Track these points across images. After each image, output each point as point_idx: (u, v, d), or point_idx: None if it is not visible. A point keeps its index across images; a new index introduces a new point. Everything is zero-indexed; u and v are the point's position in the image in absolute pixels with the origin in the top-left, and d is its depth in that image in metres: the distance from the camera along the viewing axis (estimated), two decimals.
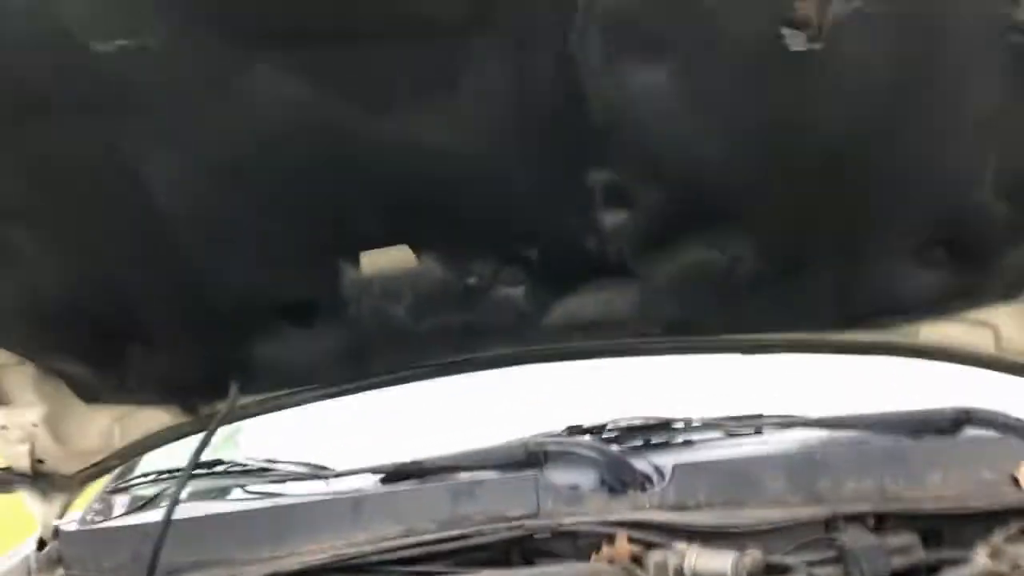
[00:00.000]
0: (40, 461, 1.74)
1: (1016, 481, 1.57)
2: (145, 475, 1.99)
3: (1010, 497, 1.54)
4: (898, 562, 1.48)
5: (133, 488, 1.97)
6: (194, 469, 1.75)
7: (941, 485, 1.58)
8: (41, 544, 1.84)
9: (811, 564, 1.45)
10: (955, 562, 1.45)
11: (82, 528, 1.84)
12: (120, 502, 1.95)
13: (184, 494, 1.71)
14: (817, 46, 1.15)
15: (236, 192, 1.34)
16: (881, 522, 1.54)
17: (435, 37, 1.13)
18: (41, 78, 1.12)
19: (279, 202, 1.37)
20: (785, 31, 1.15)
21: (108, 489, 1.97)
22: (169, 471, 1.93)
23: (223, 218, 1.40)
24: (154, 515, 1.82)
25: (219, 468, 1.93)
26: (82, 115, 1.18)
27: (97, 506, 1.94)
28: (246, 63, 1.13)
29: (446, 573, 1.52)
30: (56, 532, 1.83)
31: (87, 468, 1.78)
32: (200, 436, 1.70)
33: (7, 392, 1.65)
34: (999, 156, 1.36)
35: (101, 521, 1.90)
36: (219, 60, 1.13)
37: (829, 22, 1.13)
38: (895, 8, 1.14)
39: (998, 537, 1.47)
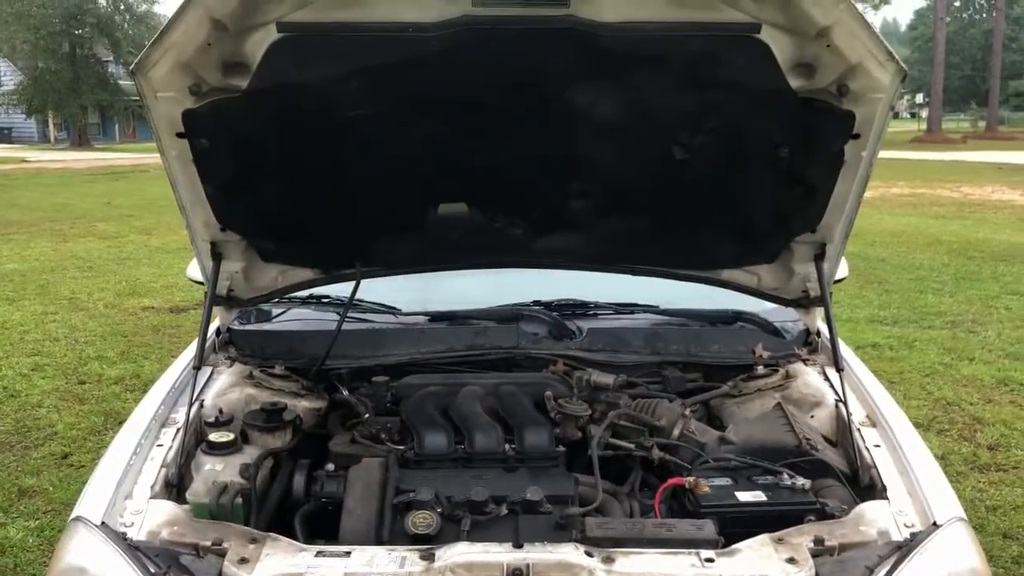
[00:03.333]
0: (232, 291, 3.04)
1: (754, 352, 3.10)
2: (292, 299, 3.30)
3: (747, 360, 3.07)
4: (689, 385, 3.01)
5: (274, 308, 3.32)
6: (319, 301, 3.11)
7: (718, 351, 3.10)
8: (219, 332, 3.17)
9: (650, 383, 2.95)
10: (714, 388, 2.98)
11: (247, 328, 3.17)
12: (264, 315, 3.30)
13: (321, 315, 3.07)
14: (687, 156, 2.53)
15: (385, 167, 2.61)
16: (685, 367, 3.06)
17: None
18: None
19: (409, 178, 2.66)
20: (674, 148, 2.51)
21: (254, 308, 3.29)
22: (302, 299, 3.27)
23: (374, 179, 2.67)
24: (290, 325, 3.17)
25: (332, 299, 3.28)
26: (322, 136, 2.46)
27: (243, 317, 3.27)
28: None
29: (469, 372, 2.96)
30: (229, 329, 3.17)
31: (259, 296, 3.09)
32: (330, 285, 3.05)
33: (227, 254, 2.91)
34: (765, 199, 2.76)
35: (247, 323, 3.24)
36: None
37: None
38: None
39: (738, 378, 3.02)
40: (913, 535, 2.10)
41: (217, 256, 2.86)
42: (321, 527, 2.39)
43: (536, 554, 2.00)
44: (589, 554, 2.02)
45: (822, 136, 2.45)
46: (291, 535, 2.21)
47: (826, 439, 2.69)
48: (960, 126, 59.12)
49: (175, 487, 2.41)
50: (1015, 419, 5.84)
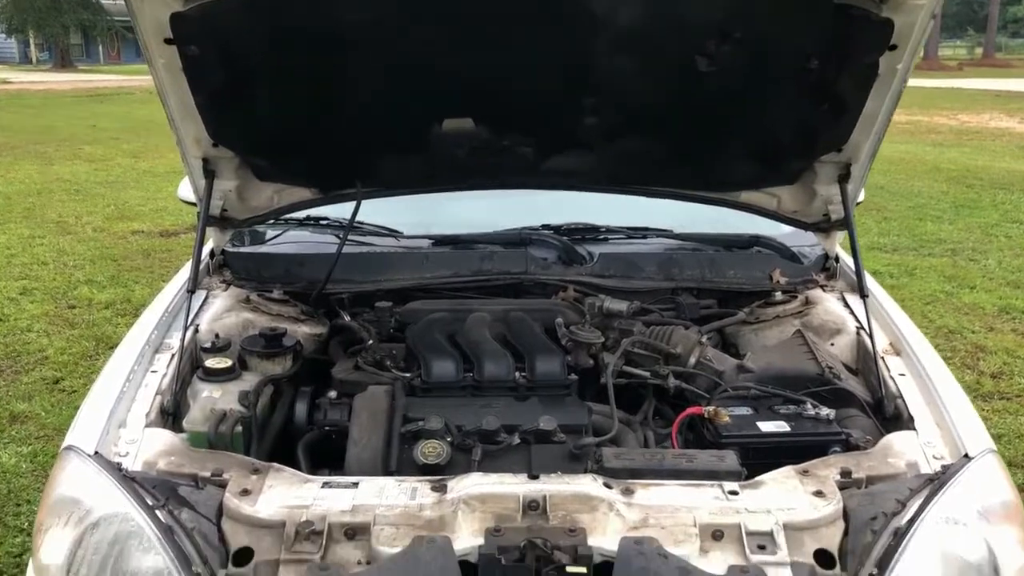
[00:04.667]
0: (225, 210, 2.89)
1: (771, 278, 2.98)
2: (289, 220, 3.15)
3: (764, 286, 2.96)
4: (703, 312, 2.90)
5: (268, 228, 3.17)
6: (317, 223, 2.97)
7: (733, 276, 2.98)
8: (212, 254, 3.03)
9: (664, 311, 2.84)
10: (730, 314, 2.87)
11: (243, 250, 3.03)
12: (259, 237, 3.15)
13: (320, 238, 2.93)
14: (711, 68, 2.37)
15: (386, 79, 2.44)
16: (699, 293, 2.95)
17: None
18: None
19: (412, 90, 2.49)
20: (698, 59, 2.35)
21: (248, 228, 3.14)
22: (299, 220, 3.13)
23: (375, 91, 2.50)
24: (289, 247, 3.04)
25: (331, 221, 3.13)
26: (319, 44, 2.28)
27: (239, 239, 3.13)
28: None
29: (475, 298, 2.84)
30: (223, 251, 3.03)
31: (254, 216, 2.94)
32: (325, 205, 2.90)
33: (220, 172, 2.75)
34: (789, 116, 2.61)
35: (243, 245, 3.10)
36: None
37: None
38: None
39: (753, 304, 2.91)
40: (944, 468, 2.02)
41: (210, 174, 2.71)
42: (325, 456, 2.30)
43: (553, 485, 1.91)
44: (608, 485, 1.93)
45: (856, 47, 2.29)
46: (294, 466, 2.12)
47: (847, 367, 2.60)
48: (957, 53, 58.31)
49: (171, 415, 2.30)
50: (1018, 347, 5.79)
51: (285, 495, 1.93)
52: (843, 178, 2.75)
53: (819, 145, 2.66)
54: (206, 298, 2.84)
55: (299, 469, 2.15)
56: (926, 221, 9.60)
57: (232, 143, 2.65)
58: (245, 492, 1.93)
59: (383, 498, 1.91)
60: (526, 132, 2.70)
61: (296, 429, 2.39)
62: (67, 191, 11.33)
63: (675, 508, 1.89)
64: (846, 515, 1.90)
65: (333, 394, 2.44)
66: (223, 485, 1.97)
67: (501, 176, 2.84)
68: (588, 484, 1.92)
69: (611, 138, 2.70)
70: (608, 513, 1.85)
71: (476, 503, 1.87)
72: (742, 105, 2.56)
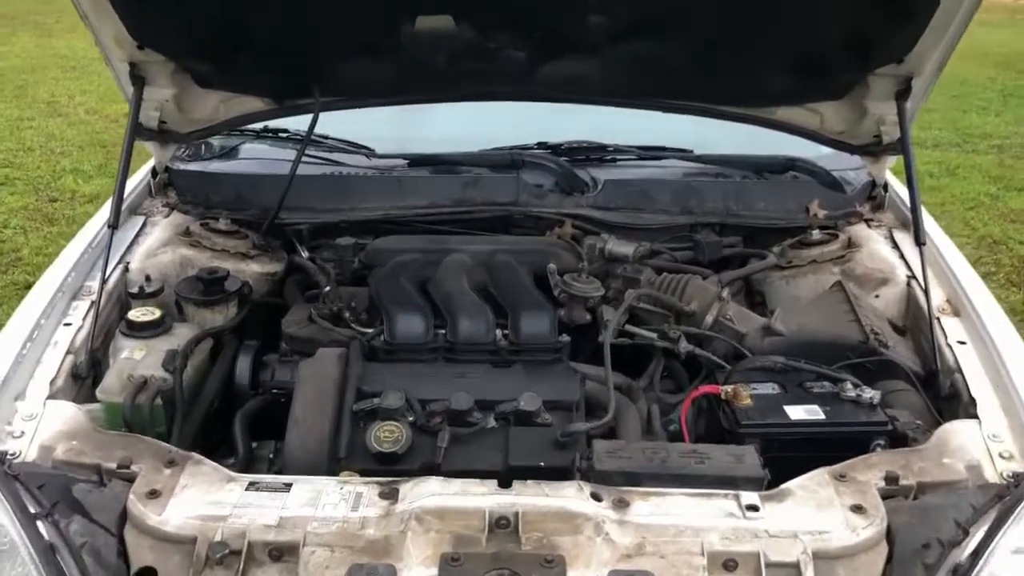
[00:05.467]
0: (164, 122, 2.45)
1: (807, 211, 2.53)
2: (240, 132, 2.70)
3: (799, 220, 2.51)
4: (726, 252, 2.47)
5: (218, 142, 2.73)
6: (276, 135, 2.52)
7: (763, 210, 2.53)
8: (154, 173, 2.61)
9: (674, 250, 2.41)
10: (758, 257, 2.44)
11: (190, 168, 2.60)
12: (208, 150, 2.72)
13: (280, 155, 2.49)
14: None
15: None
16: (722, 229, 2.50)
17: None
18: None
19: None
20: None
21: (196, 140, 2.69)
22: (256, 132, 2.67)
23: None
24: (242, 165, 2.60)
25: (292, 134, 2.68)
26: None
27: (187, 153, 2.69)
28: None
29: (456, 233, 2.42)
30: (166, 168, 2.60)
31: (197, 131, 2.50)
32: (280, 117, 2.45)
33: (152, 78, 2.30)
34: (842, 17, 2.12)
35: (190, 161, 2.67)
36: None
37: None
38: None
39: (785, 243, 2.47)
40: (1016, 477, 1.62)
41: (138, 80, 2.28)
42: (273, 425, 1.95)
43: (528, 498, 1.54)
44: (597, 497, 1.56)
45: None
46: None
47: (893, 326, 2.18)
48: None
49: (86, 380, 1.94)
50: None
51: (200, 500, 1.57)
52: (901, 94, 2.28)
53: (875, 54, 2.20)
54: (143, 226, 2.44)
55: (235, 447, 1.82)
56: (970, 112, 8.94)
57: (160, 44, 2.21)
58: (153, 493, 1.58)
59: (319, 508, 1.55)
60: (518, 32, 2.22)
61: (237, 392, 2.03)
62: (63, 67, 10.84)
63: (679, 529, 1.52)
64: (890, 535, 1.53)
65: (285, 347, 2.08)
66: (131, 479, 1.62)
67: (488, 85, 2.38)
68: (572, 496, 1.55)
69: (620, 40, 2.23)
70: (595, 537, 1.48)
71: (432, 519, 1.50)
72: (782, 2, 2.06)
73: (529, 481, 1.59)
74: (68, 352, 1.93)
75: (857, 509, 1.56)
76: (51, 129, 8.03)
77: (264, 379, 2.02)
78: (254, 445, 1.94)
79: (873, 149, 2.48)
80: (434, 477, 1.61)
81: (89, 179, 6.62)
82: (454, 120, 2.78)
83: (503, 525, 1.50)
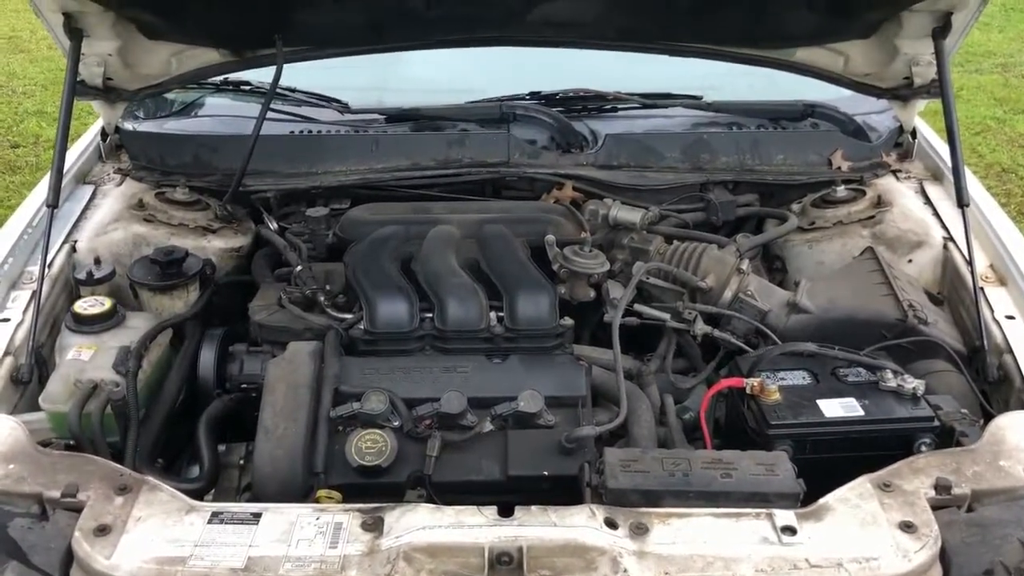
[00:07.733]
0: (109, 79, 2.18)
1: (830, 163, 2.29)
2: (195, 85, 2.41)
3: (822, 175, 2.27)
4: (741, 212, 2.23)
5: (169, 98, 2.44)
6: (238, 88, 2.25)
7: (781, 163, 2.28)
8: (104, 135, 2.34)
9: (683, 212, 2.18)
10: (776, 216, 2.21)
11: (142, 128, 2.33)
12: (163, 107, 2.44)
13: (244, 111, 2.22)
14: None
15: None
16: (736, 186, 2.26)
17: None
18: None
19: None
20: None
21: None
22: (216, 85, 2.39)
23: None
24: (201, 124, 2.33)
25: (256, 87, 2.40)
26: None
27: (140, 111, 2.42)
28: None
29: (441, 198, 2.17)
30: (117, 129, 2.33)
31: (148, 87, 2.23)
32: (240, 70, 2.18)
33: (91, 30, 2.02)
34: None
35: (144, 120, 2.40)
36: None
37: None
38: None
39: (806, 200, 2.23)
40: None
41: (75, 33, 2.00)
42: (243, 427, 1.75)
43: (534, 529, 1.34)
44: (611, 523, 1.36)
45: None
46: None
47: (929, 296, 1.97)
48: None
49: (28, 384, 1.71)
50: None
51: (157, 537, 1.37)
52: (940, 32, 2.03)
53: None
54: (93, 196, 2.18)
55: (199, 457, 1.63)
56: (971, 29, 8.60)
57: None
58: (103, 530, 1.37)
59: (292, 544, 1.35)
60: None
61: (202, 389, 1.81)
62: None
63: (707, 561, 1.32)
64: (943, 558, 1.34)
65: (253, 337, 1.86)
66: (78, 510, 1.40)
67: (474, 29, 2.12)
68: (584, 525, 1.35)
69: None
70: (612, 575, 1.28)
71: (422, 557, 1.30)
72: None
73: (534, 507, 1.38)
74: (6, 353, 1.71)
75: (907, 527, 1.36)
76: (12, 67, 7.60)
77: (232, 372, 1.81)
78: (222, 449, 1.74)
79: (903, 92, 2.24)
80: (423, 505, 1.40)
81: (53, 122, 6.25)
82: (436, 69, 2.50)
83: (505, 562, 1.30)
